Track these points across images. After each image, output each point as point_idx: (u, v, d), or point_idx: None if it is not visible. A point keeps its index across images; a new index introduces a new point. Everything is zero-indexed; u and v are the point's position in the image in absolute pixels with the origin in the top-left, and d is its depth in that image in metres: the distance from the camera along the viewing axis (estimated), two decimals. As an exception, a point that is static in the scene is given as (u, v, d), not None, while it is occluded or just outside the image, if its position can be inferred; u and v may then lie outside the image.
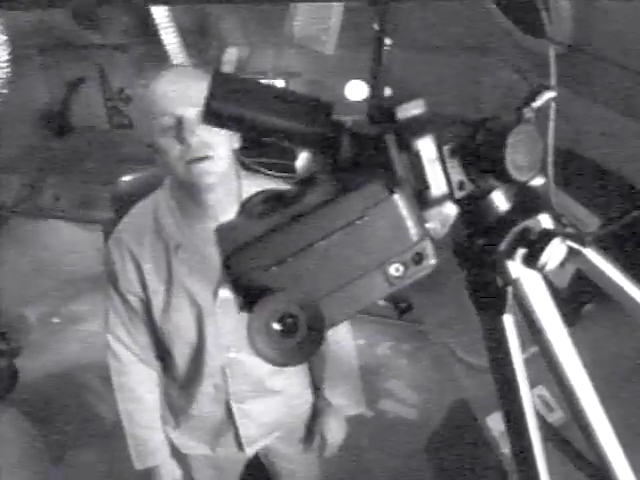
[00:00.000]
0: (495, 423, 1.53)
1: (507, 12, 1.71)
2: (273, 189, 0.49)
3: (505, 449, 1.50)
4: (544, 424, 0.89)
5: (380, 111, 0.50)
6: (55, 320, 3.44)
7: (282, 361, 0.44)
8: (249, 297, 0.44)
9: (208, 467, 1.66)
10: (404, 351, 2.96)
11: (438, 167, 0.50)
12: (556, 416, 1.38)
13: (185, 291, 1.40)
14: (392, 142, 0.49)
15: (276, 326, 0.43)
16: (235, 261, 0.45)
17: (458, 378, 1.80)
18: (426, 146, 0.49)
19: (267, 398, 1.55)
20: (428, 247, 0.48)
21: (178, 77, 1.32)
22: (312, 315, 0.43)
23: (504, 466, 1.52)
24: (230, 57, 2.67)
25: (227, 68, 2.71)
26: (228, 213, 1.35)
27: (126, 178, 2.33)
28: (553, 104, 0.58)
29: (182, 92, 1.27)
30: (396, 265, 0.47)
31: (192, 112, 1.25)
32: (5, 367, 2.82)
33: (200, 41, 2.95)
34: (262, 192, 0.49)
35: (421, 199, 0.49)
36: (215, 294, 1.40)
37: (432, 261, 0.48)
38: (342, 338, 1.63)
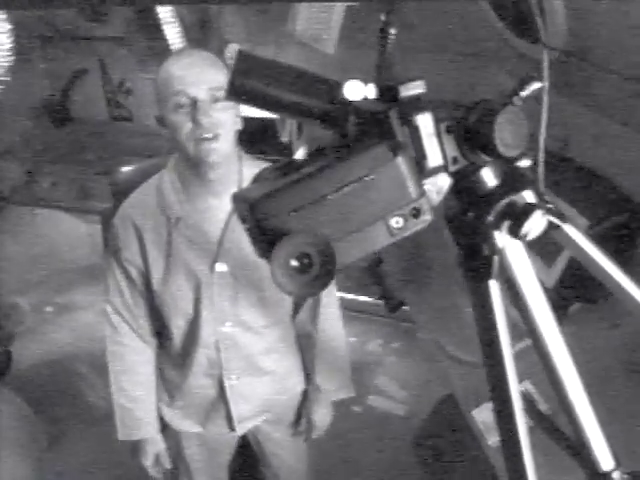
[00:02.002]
0: (481, 415, 1.57)
1: (503, 17, 1.75)
2: (284, 160, 0.55)
3: (490, 441, 1.53)
4: (532, 409, 0.93)
5: (385, 90, 0.56)
6: (48, 309, 3.46)
7: (298, 292, 0.50)
8: (270, 239, 0.50)
9: (199, 446, 1.69)
10: (394, 348, 3.01)
11: (435, 141, 0.57)
12: (542, 408, 1.42)
13: (183, 264, 1.45)
14: (395, 117, 0.56)
15: (294, 263, 0.50)
16: (259, 207, 0.52)
17: (446, 374, 1.84)
18: (425, 121, 0.57)
19: (258, 377, 1.59)
20: (425, 204, 0.55)
21: (193, 59, 1.39)
22: (325, 255, 0.50)
23: (489, 459, 1.56)
24: (231, 53, 2.70)
25: (229, 63, 2.74)
26: (228, 191, 1.39)
27: (125, 169, 2.36)
28: (546, 97, 0.64)
29: (198, 74, 1.35)
30: (397, 218, 0.54)
31: (206, 94, 1.33)
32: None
33: (202, 37, 2.98)
34: (273, 164, 0.55)
35: (419, 169, 0.54)
36: (212, 268, 1.45)
37: (428, 216, 0.55)
38: (332, 325, 1.68)
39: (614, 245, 1.47)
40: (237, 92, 0.58)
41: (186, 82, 1.33)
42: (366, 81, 0.61)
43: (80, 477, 2.44)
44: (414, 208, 0.54)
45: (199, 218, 1.44)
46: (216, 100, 1.34)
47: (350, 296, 3.16)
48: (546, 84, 0.67)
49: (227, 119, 1.36)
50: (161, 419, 1.64)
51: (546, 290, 0.69)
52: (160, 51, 2.95)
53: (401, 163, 0.53)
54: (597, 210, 1.56)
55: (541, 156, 0.68)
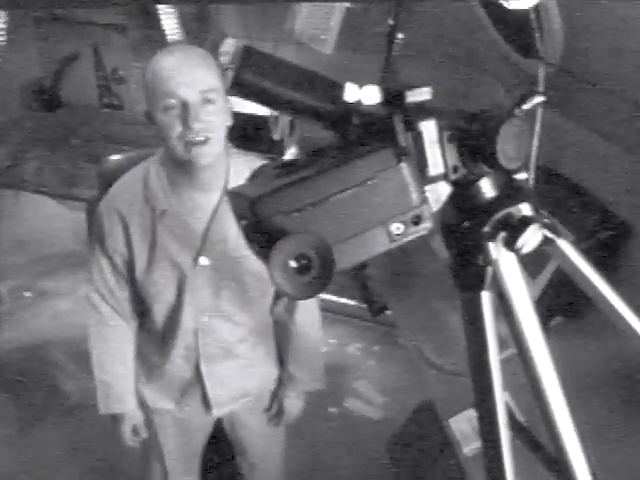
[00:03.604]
0: (458, 424, 1.58)
1: (500, 30, 1.76)
2: (284, 159, 0.54)
3: (465, 450, 1.54)
4: (511, 420, 0.94)
5: (390, 95, 0.56)
6: (27, 294, 3.41)
7: (296, 294, 0.50)
8: (269, 239, 0.49)
9: (173, 427, 1.71)
10: (374, 352, 3.01)
11: (437, 149, 0.57)
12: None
13: (167, 255, 1.46)
14: (399, 122, 0.56)
15: (293, 264, 0.49)
16: (259, 206, 0.51)
17: (425, 380, 1.84)
18: (429, 128, 0.57)
19: (234, 363, 1.61)
20: (426, 211, 0.55)
21: (185, 57, 1.35)
22: (324, 257, 0.49)
23: (464, 468, 1.57)
24: (228, 48, 2.70)
25: (224, 59, 2.74)
26: (215, 186, 1.44)
27: (113, 157, 2.34)
28: (540, 110, 0.65)
29: (189, 74, 1.31)
30: (397, 224, 0.54)
31: (197, 96, 1.30)
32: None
33: (199, 29, 2.97)
34: (273, 161, 0.55)
35: (420, 175, 0.54)
36: (195, 261, 1.46)
37: (428, 224, 0.55)
38: (308, 318, 1.70)
39: (598, 261, 1.48)
40: (241, 87, 0.58)
41: (177, 83, 1.30)
42: (361, 84, 0.61)
43: (53, 464, 2.41)
44: (415, 215, 0.54)
45: (184, 211, 1.44)
46: (207, 102, 1.31)
47: (332, 298, 3.17)
48: (540, 110, 0.68)
49: (218, 121, 1.34)
50: (139, 398, 1.67)
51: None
52: (156, 41, 2.93)
53: (405, 169, 0.53)
54: (583, 226, 1.58)
55: (532, 169, 0.69)
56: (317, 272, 0.49)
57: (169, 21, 2.66)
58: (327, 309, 3.19)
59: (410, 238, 0.55)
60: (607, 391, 1.42)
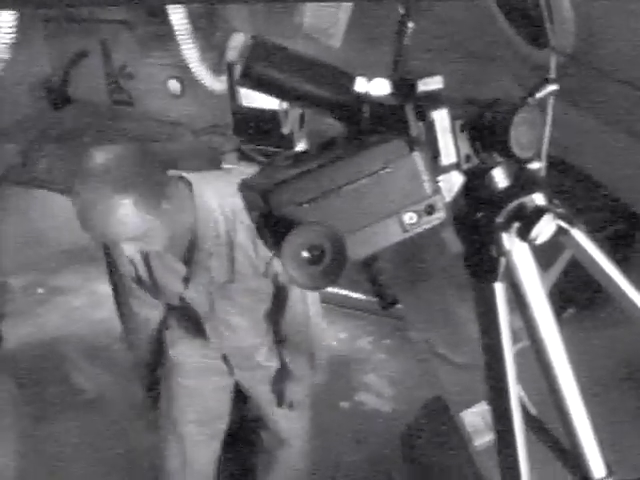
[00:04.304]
0: (469, 418, 1.58)
1: (512, 21, 1.75)
2: (294, 151, 0.54)
3: (477, 443, 1.54)
4: (524, 412, 0.94)
5: (402, 85, 0.55)
6: (40, 290, 3.43)
7: (308, 285, 0.49)
8: (282, 229, 0.49)
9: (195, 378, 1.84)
10: (384, 346, 3.01)
11: (449, 138, 0.56)
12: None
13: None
14: (411, 111, 0.55)
15: (305, 254, 0.49)
16: (272, 196, 0.51)
17: (436, 374, 1.84)
18: (441, 117, 0.56)
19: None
20: (439, 201, 0.54)
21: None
22: (337, 248, 0.49)
23: (475, 461, 1.57)
24: (236, 43, 2.69)
25: (232, 54, 2.73)
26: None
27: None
28: (551, 99, 0.64)
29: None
30: (410, 214, 0.54)
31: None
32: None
33: (207, 25, 2.96)
34: (284, 153, 0.54)
35: (432, 165, 0.54)
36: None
37: (441, 213, 0.55)
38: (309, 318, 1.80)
39: (611, 251, 1.47)
40: (250, 79, 0.57)
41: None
42: (371, 77, 0.60)
43: (67, 459, 2.43)
44: (428, 205, 0.54)
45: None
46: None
47: (342, 292, 3.16)
48: (551, 99, 0.67)
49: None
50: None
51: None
52: (164, 37, 2.93)
53: (417, 158, 0.53)
54: (595, 217, 1.57)
55: (544, 159, 0.68)
56: (329, 262, 0.49)
57: (177, 17, 2.65)
58: (338, 303, 3.20)
59: (424, 228, 0.54)
60: (621, 381, 1.41)
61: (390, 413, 2.67)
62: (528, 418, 1.01)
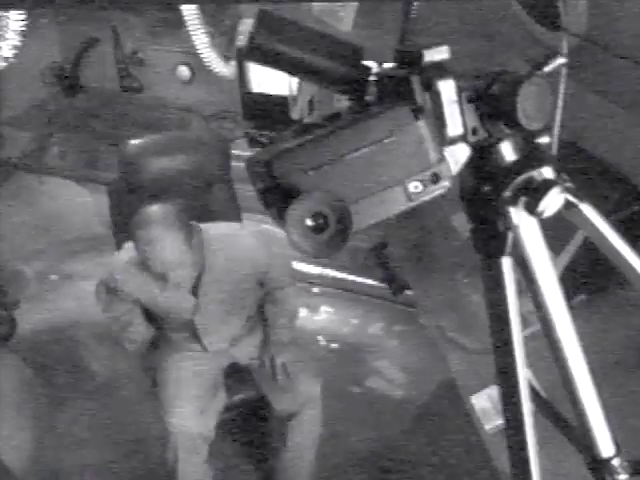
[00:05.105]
0: (479, 401, 1.58)
1: (524, 2, 1.72)
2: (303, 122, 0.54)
3: (487, 427, 1.54)
4: (534, 394, 0.93)
5: (408, 55, 0.54)
6: (52, 277, 3.47)
7: (313, 252, 0.49)
8: (286, 198, 0.49)
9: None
10: (395, 332, 3.01)
11: (456, 109, 0.55)
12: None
13: None
14: (417, 82, 0.54)
15: (309, 222, 0.49)
16: (275, 165, 0.51)
17: (447, 359, 1.84)
18: (447, 88, 0.55)
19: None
20: (444, 170, 0.54)
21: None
22: (341, 216, 0.49)
23: (486, 444, 1.57)
24: (245, 27, 2.68)
25: (241, 39, 2.72)
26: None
27: (134, 141, 2.36)
28: (562, 84, 0.62)
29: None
30: (415, 183, 0.53)
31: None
32: (4, 316, 2.86)
33: (217, 11, 2.95)
34: (290, 128, 0.54)
35: (438, 134, 0.53)
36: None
37: (446, 182, 0.54)
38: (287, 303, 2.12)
39: (623, 235, 1.46)
40: (256, 51, 0.57)
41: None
42: (380, 61, 0.59)
43: (80, 442, 2.47)
44: (434, 173, 0.53)
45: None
46: None
47: (353, 278, 3.16)
48: (564, 71, 0.66)
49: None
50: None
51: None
52: (174, 23, 2.92)
53: (422, 126, 0.52)
54: (607, 201, 1.55)
55: (555, 136, 0.66)
56: (334, 231, 0.49)
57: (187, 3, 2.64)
58: (349, 289, 3.21)
59: (429, 197, 0.54)
60: (633, 366, 1.40)
61: (400, 399, 2.67)
62: (538, 399, 1.01)
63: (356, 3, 2.21)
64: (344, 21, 2.22)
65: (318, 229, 0.49)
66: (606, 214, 1.52)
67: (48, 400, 2.63)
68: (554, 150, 0.65)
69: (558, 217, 0.71)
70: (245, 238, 2.04)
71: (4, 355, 2.64)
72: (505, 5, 1.75)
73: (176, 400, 1.98)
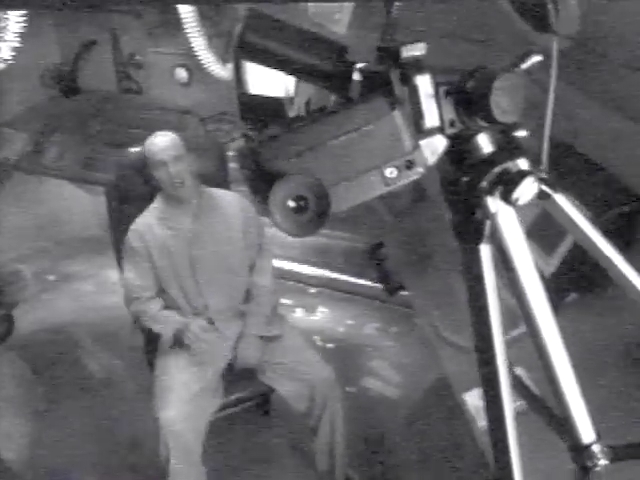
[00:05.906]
0: (472, 399, 1.59)
1: (514, 4, 1.74)
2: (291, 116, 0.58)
3: (480, 424, 1.56)
4: (525, 391, 0.95)
5: (387, 51, 0.58)
6: (50, 277, 3.49)
7: (295, 232, 0.53)
8: (270, 183, 0.53)
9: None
10: (391, 332, 3.03)
11: (433, 102, 0.60)
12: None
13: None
14: (396, 76, 0.58)
15: (291, 204, 0.53)
16: (261, 152, 0.55)
17: (441, 357, 1.86)
18: (424, 82, 0.59)
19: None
20: (418, 157, 0.58)
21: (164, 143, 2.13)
22: (320, 198, 0.53)
23: (479, 442, 1.58)
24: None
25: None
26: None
27: (134, 149, 2.40)
28: (552, 85, 0.65)
29: (166, 151, 2.11)
30: (391, 169, 0.57)
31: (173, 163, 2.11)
32: (2, 315, 2.88)
33: (214, 13, 2.97)
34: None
35: (416, 128, 0.56)
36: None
37: (420, 169, 0.58)
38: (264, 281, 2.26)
39: (615, 236, 1.48)
40: (245, 48, 0.60)
41: (160, 158, 2.12)
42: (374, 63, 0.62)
43: (78, 440, 2.48)
44: (408, 160, 0.57)
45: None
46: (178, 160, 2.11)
47: (349, 279, 3.18)
48: (554, 72, 0.68)
49: (187, 175, 2.14)
50: None
51: (544, 279, 0.70)
52: (172, 26, 2.94)
53: (398, 116, 0.56)
54: (598, 202, 1.57)
55: (546, 143, 0.69)
56: (314, 212, 0.53)
57: (185, 6, 2.66)
58: (345, 290, 3.23)
59: (404, 182, 0.57)
60: (624, 363, 1.42)
61: (396, 399, 2.69)
62: (528, 396, 1.03)
63: (351, 6, 2.24)
64: (339, 23, 2.24)
65: (299, 210, 0.52)
66: (597, 214, 1.54)
67: (47, 398, 2.64)
68: (545, 149, 0.67)
69: (550, 218, 0.74)
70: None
71: (2, 354, 2.65)
72: (497, 6, 1.77)
73: (168, 397, 2.00)
